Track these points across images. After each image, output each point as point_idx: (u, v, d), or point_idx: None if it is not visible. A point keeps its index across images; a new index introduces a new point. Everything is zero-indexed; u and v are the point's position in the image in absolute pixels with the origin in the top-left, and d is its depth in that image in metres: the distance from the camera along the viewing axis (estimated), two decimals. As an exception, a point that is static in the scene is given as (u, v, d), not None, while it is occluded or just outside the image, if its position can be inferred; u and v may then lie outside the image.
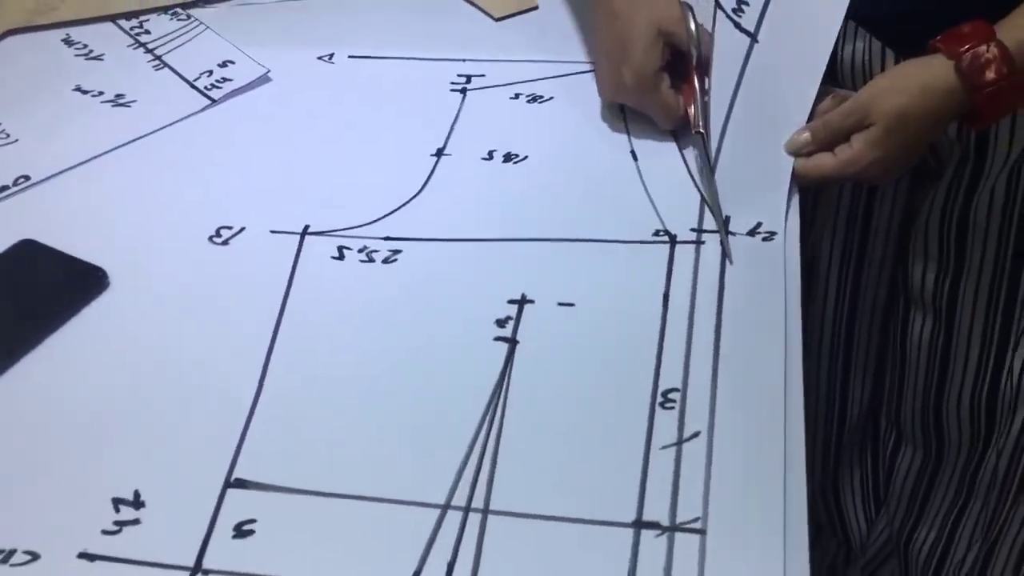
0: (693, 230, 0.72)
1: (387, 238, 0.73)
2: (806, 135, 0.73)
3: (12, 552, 0.55)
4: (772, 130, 0.74)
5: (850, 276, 0.98)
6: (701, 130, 0.77)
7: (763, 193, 0.74)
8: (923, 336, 0.92)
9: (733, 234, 0.72)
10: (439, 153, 0.81)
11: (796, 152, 0.74)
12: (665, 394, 0.61)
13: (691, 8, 0.78)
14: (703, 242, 0.71)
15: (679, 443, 0.59)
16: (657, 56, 0.77)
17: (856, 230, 0.95)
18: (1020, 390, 0.91)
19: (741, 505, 0.55)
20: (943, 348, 0.91)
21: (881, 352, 1.01)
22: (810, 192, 0.92)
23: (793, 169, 0.73)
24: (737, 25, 0.72)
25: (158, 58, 0.92)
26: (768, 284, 0.68)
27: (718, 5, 0.73)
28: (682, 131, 0.81)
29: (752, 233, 0.72)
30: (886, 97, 0.70)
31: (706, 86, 0.79)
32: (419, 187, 0.77)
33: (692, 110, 0.78)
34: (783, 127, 0.74)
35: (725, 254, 0.70)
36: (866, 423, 1.07)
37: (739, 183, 0.75)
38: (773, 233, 0.72)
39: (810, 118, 0.74)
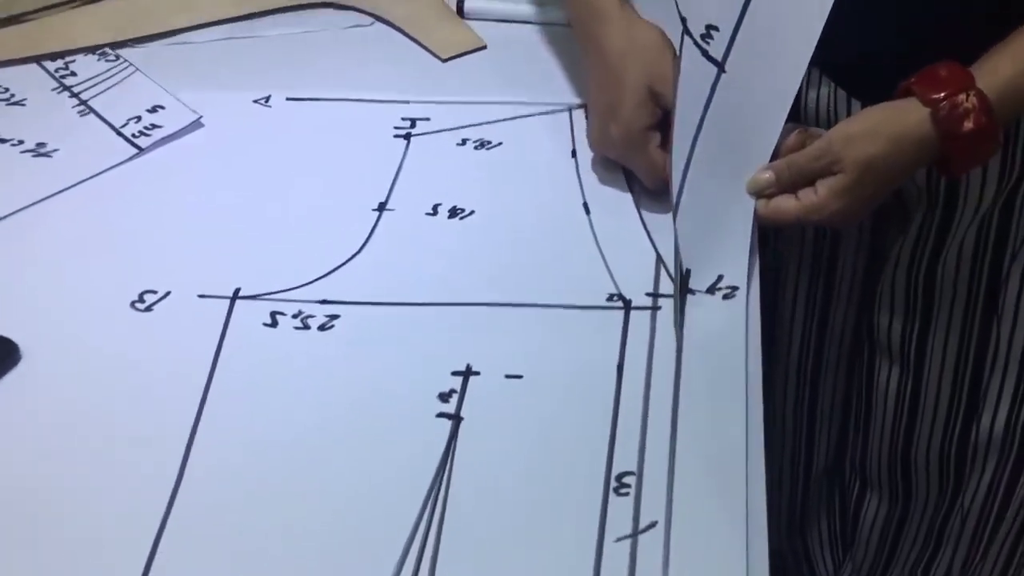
0: (649, 294, 0.68)
1: (324, 301, 0.69)
2: (769, 175, 0.69)
3: None
4: (736, 168, 0.70)
5: (815, 321, 0.95)
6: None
7: (725, 240, 0.70)
8: (890, 385, 0.89)
9: (692, 292, 0.68)
10: (381, 208, 0.76)
11: (758, 193, 0.70)
12: (619, 478, 0.57)
13: None
14: (659, 307, 0.67)
15: (634, 535, 0.55)
16: (646, 115, 0.74)
17: (821, 274, 0.91)
18: (991, 442, 0.88)
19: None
20: (911, 398, 0.88)
21: (847, 399, 0.98)
22: (771, 234, 0.89)
23: (754, 209, 0.70)
24: (704, 53, 0.68)
25: (84, 103, 0.86)
26: (729, 350, 0.64)
27: (686, 31, 0.68)
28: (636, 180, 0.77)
29: (712, 290, 0.69)
30: (856, 145, 0.66)
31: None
32: (359, 246, 0.73)
33: None
34: (748, 165, 0.70)
35: (678, 341, 0.66)
36: (833, 469, 1.04)
37: (700, 228, 0.71)
38: (735, 288, 0.68)
39: (775, 155, 0.70)
